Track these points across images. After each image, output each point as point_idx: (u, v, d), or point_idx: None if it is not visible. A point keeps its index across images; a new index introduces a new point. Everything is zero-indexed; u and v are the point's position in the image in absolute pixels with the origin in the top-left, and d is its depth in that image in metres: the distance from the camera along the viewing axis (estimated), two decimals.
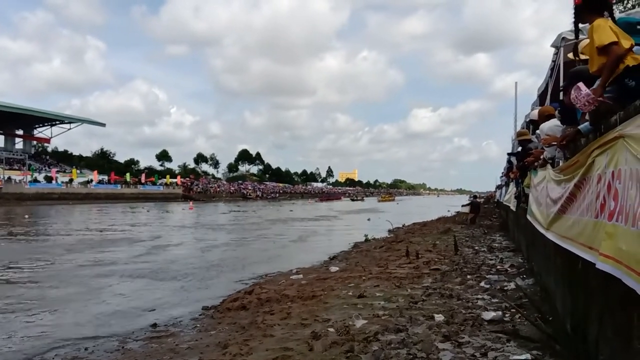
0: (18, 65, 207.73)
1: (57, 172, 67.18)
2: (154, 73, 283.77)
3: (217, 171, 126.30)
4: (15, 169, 63.09)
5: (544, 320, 4.89)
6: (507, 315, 5.26)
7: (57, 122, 78.12)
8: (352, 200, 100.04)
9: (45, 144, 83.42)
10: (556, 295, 4.98)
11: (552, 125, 5.37)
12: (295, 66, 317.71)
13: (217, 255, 14.98)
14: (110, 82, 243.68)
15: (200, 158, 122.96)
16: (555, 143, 4.81)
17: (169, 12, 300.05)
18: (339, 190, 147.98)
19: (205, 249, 16.45)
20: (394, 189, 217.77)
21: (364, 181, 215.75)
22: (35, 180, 60.20)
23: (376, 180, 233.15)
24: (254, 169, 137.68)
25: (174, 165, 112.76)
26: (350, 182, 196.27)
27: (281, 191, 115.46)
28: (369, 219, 32.88)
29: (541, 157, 6.17)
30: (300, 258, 13.80)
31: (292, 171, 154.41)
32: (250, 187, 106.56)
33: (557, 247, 4.38)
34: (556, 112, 5.53)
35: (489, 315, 5.20)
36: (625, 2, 13.44)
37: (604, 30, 3.16)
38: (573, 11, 3.53)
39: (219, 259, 14.10)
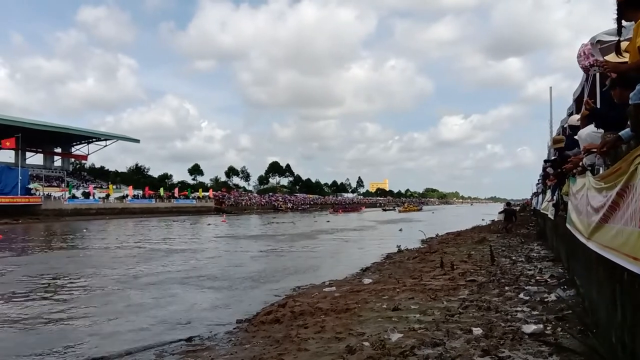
0: (53, 85, 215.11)
1: (94, 188, 68.98)
2: (184, 88, 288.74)
3: (248, 184, 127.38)
4: (54, 186, 65.01)
5: (587, 334, 4.72)
6: (548, 328, 5.10)
7: (93, 140, 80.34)
8: (384, 210, 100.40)
9: (83, 161, 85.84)
10: (599, 307, 4.79)
11: (591, 132, 5.21)
12: (322, 77, 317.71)
13: (252, 267, 15.12)
14: (142, 98, 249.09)
15: (231, 171, 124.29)
16: (595, 150, 4.66)
17: (196, 27, 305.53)
18: (365, 200, 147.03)
19: (241, 261, 16.70)
20: (424, 199, 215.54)
21: (395, 191, 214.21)
22: (74, 197, 61.90)
23: (407, 190, 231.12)
24: (284, 181, 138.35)
25: (205, 179, 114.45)
26: (381, 192, 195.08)
27: (312, 202, 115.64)
28: (401, 230, 32.57)
29: (580, 164, 6.00)
30: (333, 270, 13.77)
31: (322, 182, 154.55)
32: (281, 199, 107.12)
33: (599, 257, 4.23)
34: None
35: (529, 328, 5.05)
36: None
37: None
38: (616, 8, 3.41)
39: (253, 270, 14.24)
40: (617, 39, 4.05)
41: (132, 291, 11.09)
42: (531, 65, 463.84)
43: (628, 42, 3.61)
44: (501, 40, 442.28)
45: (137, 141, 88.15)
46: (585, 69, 5.63)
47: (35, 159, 76.83)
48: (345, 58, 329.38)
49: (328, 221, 48.26)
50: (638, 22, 3.18)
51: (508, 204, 30.74)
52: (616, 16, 3.47)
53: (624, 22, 3.52)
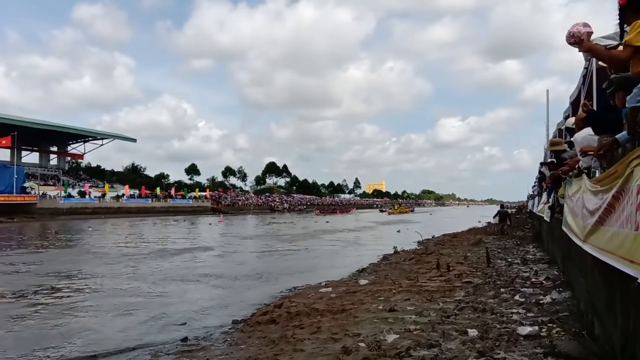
0: (50, 83, 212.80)
1: (90, 187, 68.75)
2: (181, 88, 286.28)
3: (245, 184, 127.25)
4: (50, 185, 64.76)
5: (583, 336, 4.73)
6: (544, 330, 5.11)
7: (90, 138, 79.98)
8: (381, 211, 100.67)
9: (79, 160, 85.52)
10: (595, 310, 4.81)
11: (586, 135, 5.22)
12: (320, 78, 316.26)
13: (249, 267, 15.17)
14: (139, 97, 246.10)
15: (228, 171, 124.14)
16: (592, 153, 4.67)
17: (193, 26, 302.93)
18: (362, 202, 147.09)
19: (239, 261, 16.83)
20: (420, 200, 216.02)
21: (392, 192, 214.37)
22: (69, 196, 61.71)
23: (404, 191, 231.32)
24: (281, 182, 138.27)
25: (202, 179, 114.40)
26: (377, 194, 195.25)
27: (308, 203, 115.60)
28: (398, 231, 32.64)
29: (576, 166, 6.01)
30: (329, 270, 13.79)
31: (319, 183, 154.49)
32: (277, 200, 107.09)
33: (595, 259, 4.24)
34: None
35: (525, 330, 5.05)
36: None
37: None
38: (618, 12, 3.43)
39: (250, 270, 14.28)
40: (614, 43, 4.07)
41: (130, 290, 11.14)
42: (529, 67, 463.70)
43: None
44: (499, 43, 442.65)
45: (134, 140, 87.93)
46: (570, 36, 5.51)
47: (31, 157, 76.45)
48: (343, 59, 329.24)
49: (327, 222, 48.34)
50: (636, 21, 3.20)
51: (502, 206, 30.84)
52: (618, 20, 3.48)
53: (625, 27, 3.54)
